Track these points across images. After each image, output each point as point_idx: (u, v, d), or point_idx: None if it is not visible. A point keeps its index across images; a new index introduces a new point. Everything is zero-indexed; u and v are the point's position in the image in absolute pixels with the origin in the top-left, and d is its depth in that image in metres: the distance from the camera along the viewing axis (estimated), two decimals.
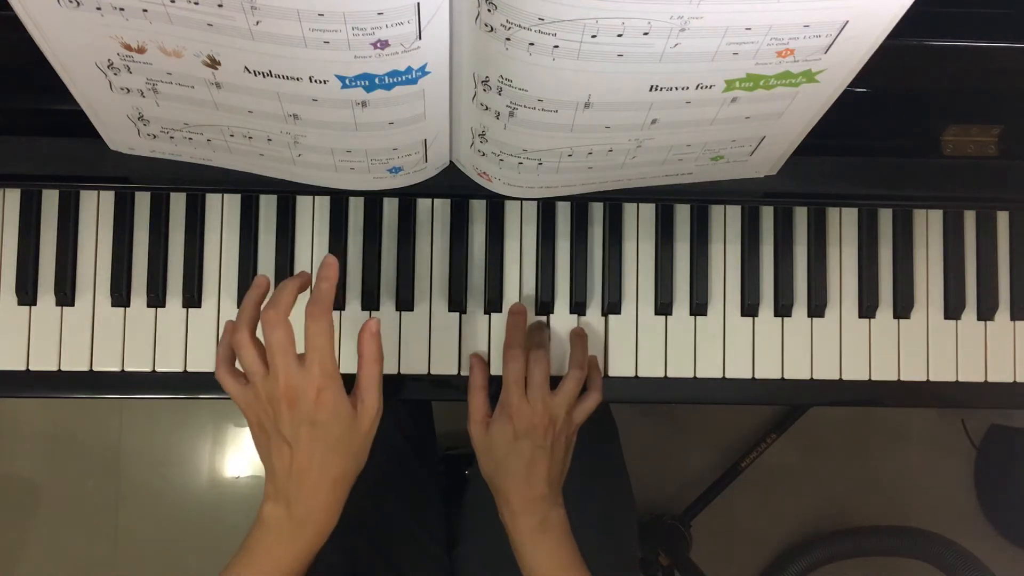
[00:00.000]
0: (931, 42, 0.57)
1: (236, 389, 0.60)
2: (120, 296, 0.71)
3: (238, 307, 0.72)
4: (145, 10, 0.48)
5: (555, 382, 0.69)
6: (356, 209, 0.73)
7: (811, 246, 0.75)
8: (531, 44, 0.49)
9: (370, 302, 0.72)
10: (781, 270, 0.75)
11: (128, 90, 0.57)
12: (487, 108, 0.56)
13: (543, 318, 0.74)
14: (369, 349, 0.61)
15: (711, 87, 0.53)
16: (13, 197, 0.72)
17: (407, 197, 0.73)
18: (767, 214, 0.75)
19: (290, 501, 0.59)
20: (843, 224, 0.76)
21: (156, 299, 0.72)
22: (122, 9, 0.48)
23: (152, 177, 0.68)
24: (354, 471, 0.62)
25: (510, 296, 0.74)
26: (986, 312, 0.75)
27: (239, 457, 1.47)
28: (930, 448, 1.52)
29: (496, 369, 0.72)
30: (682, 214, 0.75)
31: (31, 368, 0.71)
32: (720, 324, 0.74)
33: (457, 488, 0.90)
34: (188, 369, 0.71)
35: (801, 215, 0.75)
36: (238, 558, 0.61)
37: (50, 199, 0.72)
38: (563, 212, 0.74)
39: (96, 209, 0.72)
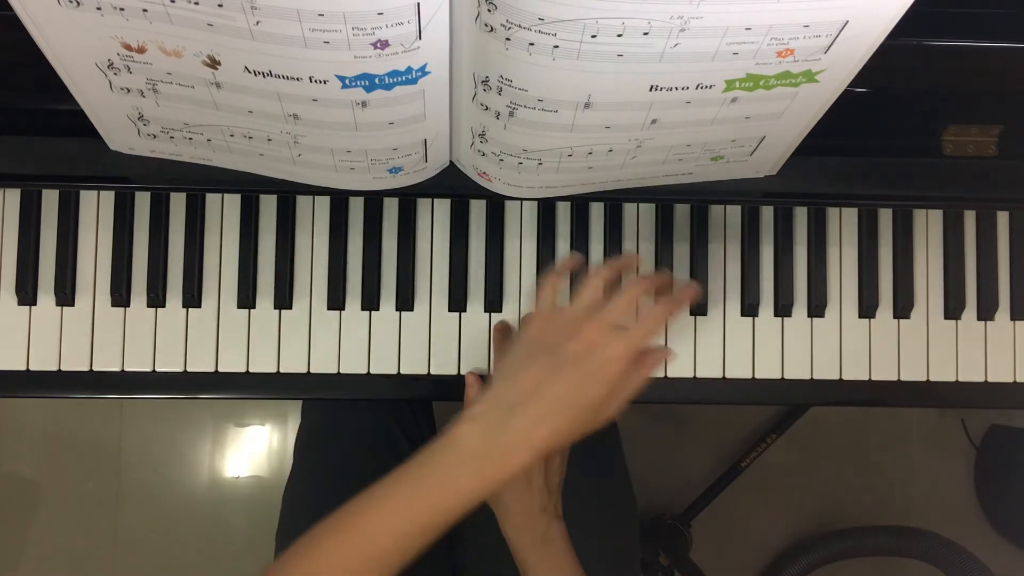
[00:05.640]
0: (931, 42, 0.57)
1: (550, 296, 0.60)
2: (120, 296, 0.71)
3: (238, 307, 0.72)
4: (145, 10, 0.48)
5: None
6: (356, 209, 0.73)
7: (811, 246, 0.75)
8: (531, 44, 0.49)
9: (370, 302, 0.72)
10: (781, 270, 0.74)
11: (128, 90, 0.57)
12: (487, 108, 0.56)
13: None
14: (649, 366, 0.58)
15: (711, 87, 0.53)
16: (13, 197, 0.72)
17: (407, 197, 0.73)
18: (767, 214, 0.75)
19: (497, 425, 0.53)
20: (843, 224, 0.76)
21: (156, 299, 0.72)
22: (122, 9, 0.48)
23: (152, 177, 0.68)
24: (563, 437, 0.55)
25: (510, 296, 0.74)
26: (986, 312, 0.75)
27: (239, 457, 1.47)
28: (930, 448, 1.52)
29: None
30: (682, 214, 0.75)
31: (31, 368, 0.71)
32: (720, 324, 0.74)
33: None
34: (188, 369, 0.71)
35: (801, 215, 0.75)
36: (417, 472, 0.55)
37: (50, 199, 0.72)
38: (563, 212, 0.74)
39: (96, 209, 0.72)
